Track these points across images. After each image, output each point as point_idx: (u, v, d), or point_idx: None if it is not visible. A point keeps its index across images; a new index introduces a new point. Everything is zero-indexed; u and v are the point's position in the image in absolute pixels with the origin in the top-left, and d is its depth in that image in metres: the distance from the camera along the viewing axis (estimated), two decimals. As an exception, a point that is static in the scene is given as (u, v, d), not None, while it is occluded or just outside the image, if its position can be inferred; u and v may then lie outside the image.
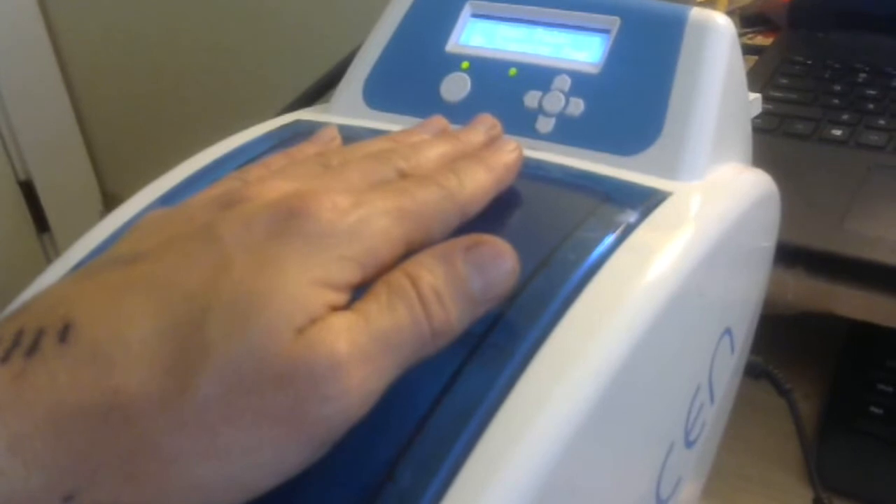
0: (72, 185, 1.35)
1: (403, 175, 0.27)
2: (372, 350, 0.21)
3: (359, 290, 0.22)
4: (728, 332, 0.34)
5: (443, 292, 0.22)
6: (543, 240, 0.27)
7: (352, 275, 0.22)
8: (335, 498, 0.21)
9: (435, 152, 0.28)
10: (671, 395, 0.30)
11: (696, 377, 0.32)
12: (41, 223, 1.34)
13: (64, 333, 0.20)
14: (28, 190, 1.31)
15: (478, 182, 0.27)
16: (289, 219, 0.22)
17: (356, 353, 0.20)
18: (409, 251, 0.24)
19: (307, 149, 0.30)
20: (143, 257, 0.22)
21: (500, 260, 0.23)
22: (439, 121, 0.32)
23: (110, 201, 1.38)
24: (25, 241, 1.33)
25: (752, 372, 0.43)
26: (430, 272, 0.22)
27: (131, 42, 1.18)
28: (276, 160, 0.29)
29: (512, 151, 0.30)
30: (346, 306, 0.22)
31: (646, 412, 0.28)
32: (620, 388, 0.24)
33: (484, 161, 0.28)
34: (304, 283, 0.21)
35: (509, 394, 0.22)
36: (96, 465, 0.19)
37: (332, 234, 0.22)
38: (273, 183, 0.25)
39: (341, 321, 0.21)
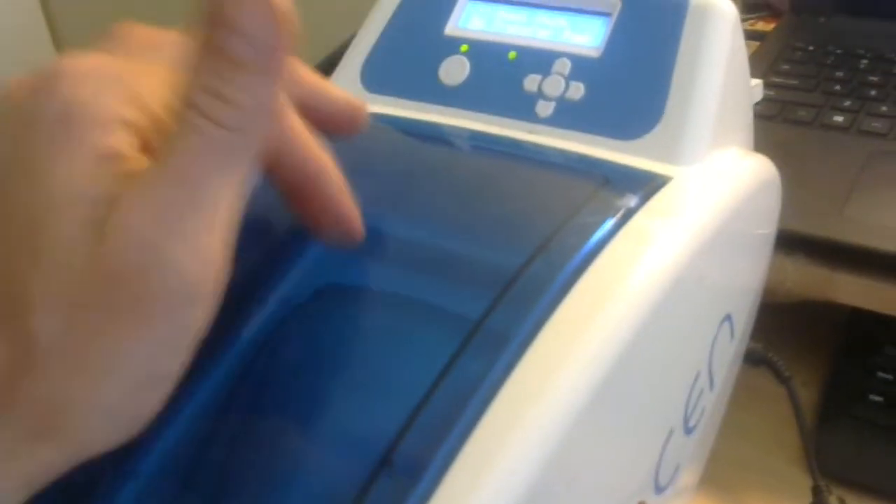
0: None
1: None
2: (180, 199, 0.19)
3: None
4: (728, 318, 0.34)
5: (210, 84, 0.19)
6: (543, 224, 0.27)
7: (128, 139, 0.20)
8: (332, 483, 0.21)
9: None
10: (671, 381, 0.30)
11: (696, 363, 0.31)
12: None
13: None
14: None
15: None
16: (30, 103, 0.20)
17: (166, 218, 0.19)
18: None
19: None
20: None
21: (246, 7, 0.19)
22: None
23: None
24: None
25: (752, 359, 0.43)
26: (189, 75, 0.20)
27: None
28: None
29: None
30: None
31: (645, 398, 0.28)
32: (619, 374, 0.24)
33: None
34: (77, 170, 0.19)
35: (507, 380, 0.22)
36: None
37: (86, 99, 0.20)
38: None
39: (134, 194, 0.19)
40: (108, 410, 0.20)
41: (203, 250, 0.20)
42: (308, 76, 0.25)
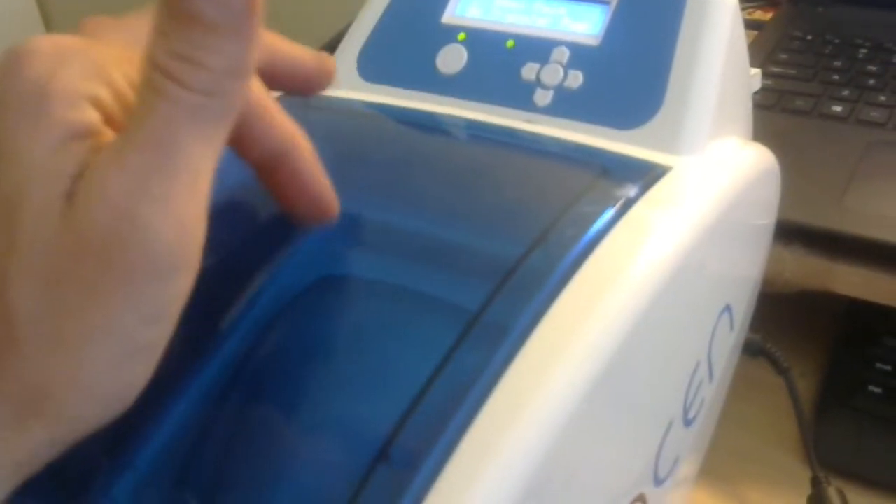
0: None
1: None
2: (154, 163, 0.19)
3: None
4: (728, 308, 0.34)
5: (178, 48, 0.18)
6: (541, 214, 0.27)
7: (88, 114, 0.20)
8: (329, 478, 0.21)
9: None
10: (670, 372, 0.30)
11: (696, 354, 0.31)
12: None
13: None
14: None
15: None
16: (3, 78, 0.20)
17: (140, 183, 0.19)
18: None
19: None
20: None
21: None
22: None
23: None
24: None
25: (750, 350, 0.43)
26: (158, 37, 0.19)
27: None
28: None
29: None
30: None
31: (645, 390, 0.28)
32: (619, 365, 0.24)
33: None
34: (42, 149, 0.19)
35: (506, 372, 0.22)
36: None
37: (49, 78, 0.20)
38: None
39: (103, 161, 0.19)
40: (91, 386, 0.19)
41: (182, 216, 0.19)
42: (268, 37, 0.25)
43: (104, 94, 0.20)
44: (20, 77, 0.20)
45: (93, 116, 0.20)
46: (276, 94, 0.37)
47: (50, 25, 1.27)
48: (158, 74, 0.19)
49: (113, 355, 0.19)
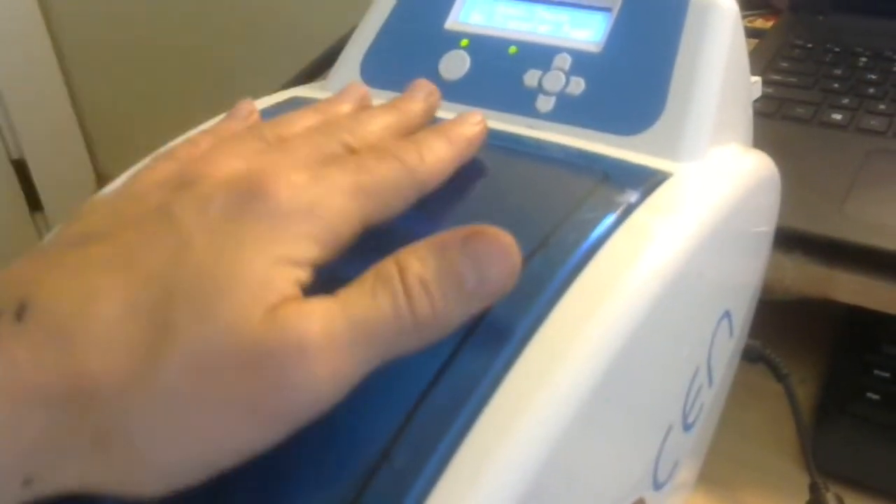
0: (65, 165, 1.35)
1: (350, 149, 0.26)
2: (347, 337, 0.20)
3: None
4: (727, 314, 0.34)
5: (430, 283, 0.21)
6: (542, 220, 0.27)
7: (311, 252, 0.22)
8: (331, 479, 0.21)
9: (378, 124, 0.28)
10: (670, 377, 0.30)
11: (695, 360, 0.31)
12: (34, 202, 1.33)
13: (20, 312, 0.19)
14: (21, 169, 1.30)
15: (437, 155, 0.26)
16: (246, 198, 0.22)
17: (329, 339, 0.20)
18: (366, 227, 0.24)
19: (230, 125, 0.30)
20: (98, 238, 0.22)
21: (498, 255, 0.22)
22: (358, 88, 0.31)
23: (103, 181, 1.37)
24: (18, 221, 1.32)
25: (750, 356, 0.43)
26: (419, 261, 0.22)
27: (125, 22, 1.17)
28: (202, 138, 0.28)
29: (476, 125, 0.29)
30: (312, 285, 0.21)
31: (644, 395, 0.28)
32: (619, 370, 0.24)
33: (444, 133, 0.27)
34: (268, 262, 0.21)
35: (507, 375, 0.22)
36: (58, 448, 0.19)
37: (291, 213, 0.22)
38: (224, 161, 0.24)
39: (316, 305, 0.20)
40: (166, 470, 0.20)
41: (339, 383, 0.20)
42: None
43: (328, 241, 0.22)
44: (271, 194, 0.22)
45: (314, 254, 0.22)
46: (285, 96, 0.37)
47: (50, 25, 1.27)
48: (399, 282, 0.21)
49: (206, 461, 0.20)
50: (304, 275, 0.21)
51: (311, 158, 0.25)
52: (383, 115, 0.28)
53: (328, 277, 0.22)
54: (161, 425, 0.19)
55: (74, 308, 0.20)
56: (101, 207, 0.24)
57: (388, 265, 0.22)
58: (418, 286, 0.21)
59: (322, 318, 0.20)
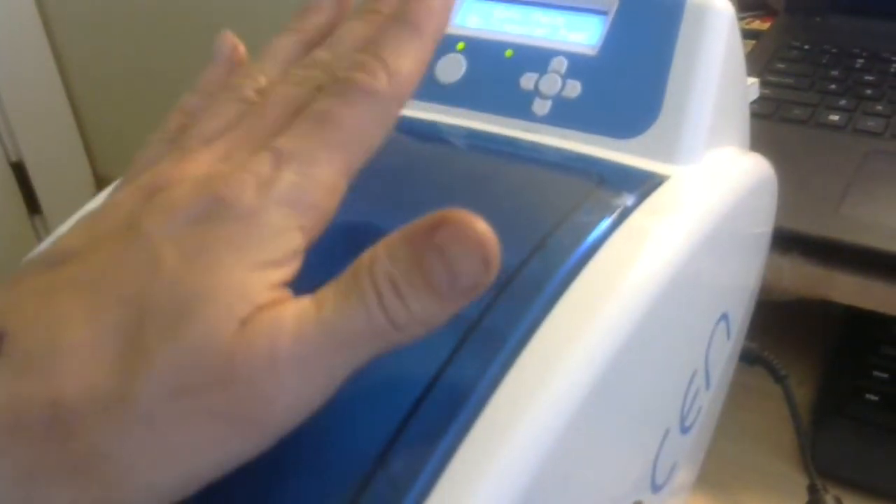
0: (64, 167, 1.35)
1: (324, 77, 0.24)
2: (320, 343, 0.20)
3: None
4: (724, 317, 0.34)
5: (401, 284, 0.20)
6: (538, 223, 0.27)
7: (294, 243, 0.21)
8: (326, 484, 0.21)
9: (353, 38, 0.26)
10: (667, 380, 0.30)
11: (693, 362, 0.31)
12: (33, 205, 1.33)
13: None
14: (19, 171, 1.30)
15: (410, 58, 0.24)
16: (212, 205, 0.21)
17: (300, 347, 0.19)
18: (353, 176, 0.23)
19: (214, 73, 0.29)
20: (70, 258, 0.21)
21: (469, 247, 0.20)
22: None
23: (102, 183, 1.37)
24: (17, 223, 1.32)
25: (748, 358, 0.43)
26: (390, 257, 0.20)
27: (123, 22, 1.17)
28: (189, 100, 0.28)
29: None
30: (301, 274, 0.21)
31: (642, 398, 0.28)
32: (616, 373, 0.24)
33: (409, 24, 0.24)
34: (241, 270, 0.20)
35: (503, 379, 0.22)
36: (40, 475, 0.19)
37: (263, 209, 0.21)
38: (193, 158, 0.23)
39: (291, 310, 0.20)
40: (154, 489, 0.19)
41: (315, 391, 0.20)
42: None
43: (311, 218, 0.22)
44: (236, 198, 0.21)
45: (298, 241, 0.21)
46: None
47: (49, 26, 1.27)
48: (369, 283, 0.20)
49: (194, 475, 0.20)
50: (288, 270, 0.21)
51: (284, 116, 0.24)
52: (357, 25, 0.27)
53: (317, 262, 0.22)
54: (141, 447, 0.19)
55: (47, 335, 0.19)
56: (82, 222, 0.23)
57: (361, 262, 0.21)
58: (388, 286, 0.20)
59: (294, 325, 0.20)
